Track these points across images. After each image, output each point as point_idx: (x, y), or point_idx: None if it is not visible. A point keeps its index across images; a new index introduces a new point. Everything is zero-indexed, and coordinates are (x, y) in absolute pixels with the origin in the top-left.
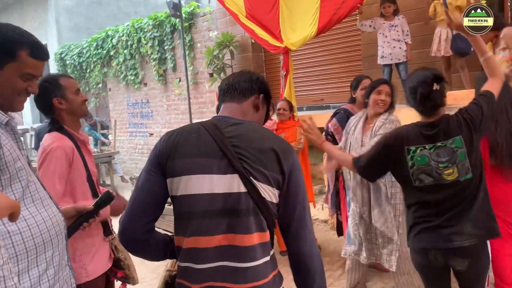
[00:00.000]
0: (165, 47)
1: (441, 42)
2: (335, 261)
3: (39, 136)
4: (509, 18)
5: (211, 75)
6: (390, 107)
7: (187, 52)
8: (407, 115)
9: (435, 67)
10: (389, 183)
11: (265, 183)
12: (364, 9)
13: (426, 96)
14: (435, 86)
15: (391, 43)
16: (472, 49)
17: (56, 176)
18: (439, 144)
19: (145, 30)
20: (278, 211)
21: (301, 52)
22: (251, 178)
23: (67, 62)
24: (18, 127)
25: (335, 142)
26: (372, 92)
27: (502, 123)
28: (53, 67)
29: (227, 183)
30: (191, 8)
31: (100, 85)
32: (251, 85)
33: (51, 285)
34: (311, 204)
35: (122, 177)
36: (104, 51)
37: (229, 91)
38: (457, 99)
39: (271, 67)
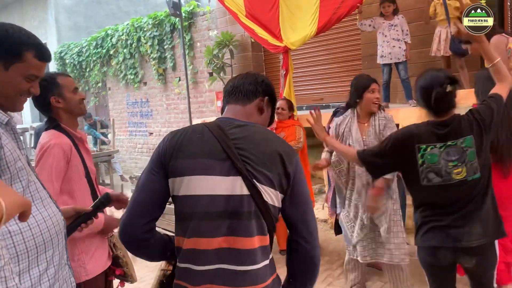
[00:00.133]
0: (165, 46)
1: (440, 42)
2: (334, 260)
3: (38, 135)
4: (509, 18)
5: (210, 74)
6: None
7: (186, 51)
8: (406, 115)
9: (442, 68)
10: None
11: (268, 186)
12: (363, 9)
13: (441, 97)
14: (449, 88)
15: (391, 42)
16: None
17: (53, 173)
18: (449, 143)
19: (145, 29)
20: (284, 215)
21: (300, 51)
22: (254, 180)
23: (67, 61)
24: (18, 126)
25: None
26: (365, 91)
27: (504, 121)
28: (52, 66)
29: (229, 185)
30: (191, 7)
31: (99, 84)
32: (256, 88)
33: (51, 285)
34: None
35: (122, 176)
36: (104, 50)
37: (234, 93)
38: (457, 98)
39: (270, 66)
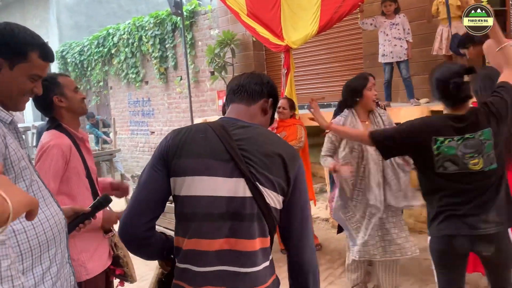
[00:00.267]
0: (166, 45)
1: (442, 41)
2: (335, 259)
3: (40, 134)
4: (511, 16)
5: (212, 73)
6: None
7: (188, 50)
8: (408, 114)
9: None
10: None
11: (270, 189)
12: (365, 8)
13: (459, 87)
14: (466, 78)
15: (392, 41)
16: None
17: (51, 173)
18: (467, 136)
19: (146, 28)
20: (280, 217)
21: (302, 50)
22: (257, 183)
23: (68, 60)
24: (20, 125)
25: None
26: (363, 89)
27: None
28: (54, 66)
29: (232, 187)
30: (192, 6)
31: (101, 83)
32: (262, 88)
33: (54, 283)
34: (311, 203)
35: (123, 175)
36: (105, 49)
37: (239, 92)
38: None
39: (272, 65)
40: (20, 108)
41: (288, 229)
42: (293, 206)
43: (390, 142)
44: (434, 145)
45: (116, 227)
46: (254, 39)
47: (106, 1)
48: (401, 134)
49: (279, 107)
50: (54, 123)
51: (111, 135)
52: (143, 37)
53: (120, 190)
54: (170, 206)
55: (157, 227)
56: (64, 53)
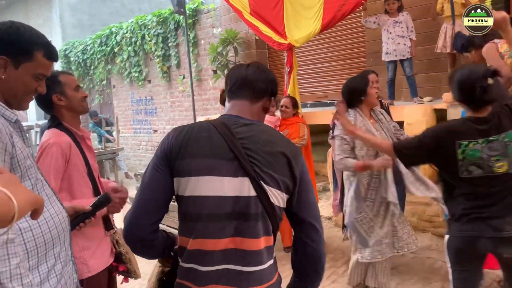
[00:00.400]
0: (169, 44)
1: (446, 39)
2: (338, 258)
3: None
4: None
5: (215, 72)
6: None
7: (191, 49)
8: (411, 112)
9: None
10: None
11: (275, 188)
12: (368, 6)
13: (485, 90)
14: (490, 81)
15: (396, 39)
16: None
17: (52, 172)
18: (491, 138)
19: (149, 27)
20: (290, 215)
21: (305, 48)
22: (261, 182)
23: (71, 59)
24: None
25: None
26: (367, 87)
27: None
28: (57, 64)
29: (237, 186)
30: (195, 5)
31: (104, 82)
32: (267, 86)
33: (58, 280)
34: None
35: (126, 174)
36: (108, 48)
37: (244, 88)
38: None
39: (275, 63)
40: (24, 107)
41: (299, 224)
42: (302, 202)
43: (413, 152)
44: (458, 149)
45: (117, 224)
46: (257, 37)
47: (109, 0)
48: (426, 144)
49: (282, 106)
50: (55, 122)
51: (114, 133)
52: (146, 35)
53: (118, 193)
54: (174, 204)
55: (160, 225)
56: (67, 52)
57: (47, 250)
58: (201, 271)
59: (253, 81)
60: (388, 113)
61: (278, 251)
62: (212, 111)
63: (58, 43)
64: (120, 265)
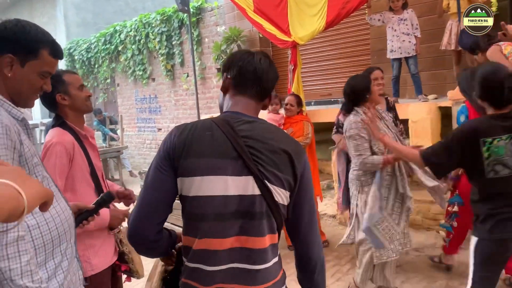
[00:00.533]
0: (173, 42)
1: (451, 36)
2: (343, 256)
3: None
4: None
5: (218, 70)
6: None
7: (195, 47)
8: (416, 110)
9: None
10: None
11: (278, 186)
12: (372, 3)
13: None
14: None
15: (400, 37)
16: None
17: (57, 171)
18: None
19: (153, 25)
20: (288, 213)
21: (309, 46)
22: (266, 181)
23: (76, 57)
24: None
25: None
26: (370, 85)
27: None
28: (61, 63)
29: (241, 185)
30: (199, 3)
31: (108, 81)
32: (273, 85)
33: (65, 276)
34: (318, 199)
35: (131, 172)
36: (112, 47)
37: (254, 85)
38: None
39: (279, 61)
40: (30, 105)
41: (296, 224)
42: (301, 202)
43: (442, 159)
44: (483, 147)
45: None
46: (260, 35)
47: None
48: (452, 147)
49: (286, 104)
50: (58, 121)
51: (118, 132)
52: (150, 34)
53: (125, 198)
54: (178, 202)
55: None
56: (71, 51)
57: (54, 247)
58: (207, 270)
59: (265, 81)
60: (395, 110)
61: (282, 248)
62: (216, 109)
63: (62, 42)
64: (123, 265)
